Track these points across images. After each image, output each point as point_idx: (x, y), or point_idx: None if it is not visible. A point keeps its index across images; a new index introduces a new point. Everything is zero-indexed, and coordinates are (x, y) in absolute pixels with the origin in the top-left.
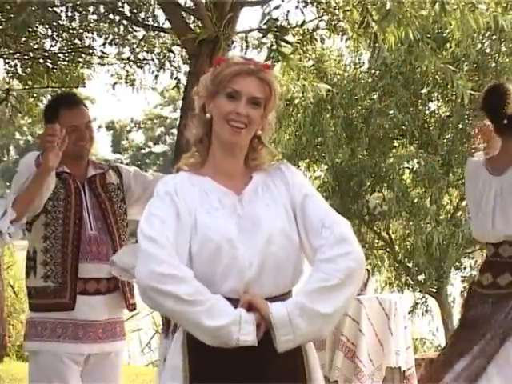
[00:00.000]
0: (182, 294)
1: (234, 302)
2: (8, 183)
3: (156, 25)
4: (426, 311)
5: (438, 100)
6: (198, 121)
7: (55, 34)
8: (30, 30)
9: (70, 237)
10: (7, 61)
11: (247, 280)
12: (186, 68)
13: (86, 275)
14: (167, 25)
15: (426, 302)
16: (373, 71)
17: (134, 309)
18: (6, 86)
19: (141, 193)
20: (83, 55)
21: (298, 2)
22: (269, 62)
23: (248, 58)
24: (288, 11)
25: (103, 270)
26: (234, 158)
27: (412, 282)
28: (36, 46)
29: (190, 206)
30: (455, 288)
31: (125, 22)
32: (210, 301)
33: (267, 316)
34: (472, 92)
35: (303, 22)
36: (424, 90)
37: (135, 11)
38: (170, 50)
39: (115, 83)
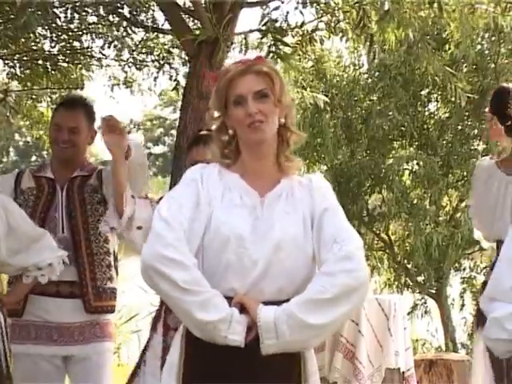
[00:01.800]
0: (178, 280)
1: (231, 301)
2: None
3: (155, 26)
4: (426, 312)
5: (437, 101)
6: (224, 140)
7: (54, 35)
8: (30, 31)
9: None
10: (6, 62)
11: (249, 281)
12: (185, 70)
13: (59, 278)
14: (167, 26)
15: (425, 303)
16: (372, 72)
17: (107, 311)
18: (5, 87)
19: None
20: (82, 57)
21: (298, 3)
22: (260, 54)
23: (239, 60)
24: (287, 12)
25: (73, 273)
26: (261, 159)
27: (411, 283)
28: (35, 48)
29: (211, 196)
30: (454, 289)
31: (124, 23)
32: (206, 294)
33: (255, 318)
34: (469, 95)
35: (302, 23)
36: (423, 92)
37: (135, 13)
38: (169, 52)
39: (114, 85)
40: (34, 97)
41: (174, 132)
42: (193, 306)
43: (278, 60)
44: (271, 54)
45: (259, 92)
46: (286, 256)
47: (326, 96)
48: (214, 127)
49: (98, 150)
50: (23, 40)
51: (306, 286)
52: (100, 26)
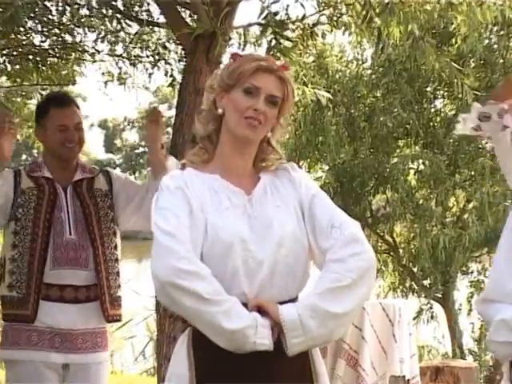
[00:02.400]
0: (202, 292)
1: (246, 306)
2: None
3: (150, 20)
4: (432, 317)
5: (443, 98)
6: (207, 116)
7: (45, 29)
8: (19, 25)
9: (38, 246)
10: None
11: (258, 284)
12: (180, 66)
13: (63, 282)
14: (162, 19)
15: (431, 307)
16: (376, 68)
17: (117, 320)
18: None
19: (127, 201)
20: (74, 52)
21: None
22: (286, 63)
23: (267, 56)
24: (288, 5)
25: (81, 277)
26: (243, 156)
27: (417, 287)
28: (25, 42)
29: (201, 202)
30: (462, 293)
31: (118, 16)
32: (228, 302)
33: (277, 318)
34: (476, 91)
35: (303, 17)
36: (429, 88)
37: (129, 5)
38: (165, 47)
39: (107, 81)
40: (23, 94)
41: (169, 130)
42: (219, 316)
43: (278, 55)
44: (271, 49)
45: (273, 97)
46: (288, 252)
47: (328, 92)
48: (203, 103)
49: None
50: (13, 34)
51: (304, 281)
52: (93, 19)
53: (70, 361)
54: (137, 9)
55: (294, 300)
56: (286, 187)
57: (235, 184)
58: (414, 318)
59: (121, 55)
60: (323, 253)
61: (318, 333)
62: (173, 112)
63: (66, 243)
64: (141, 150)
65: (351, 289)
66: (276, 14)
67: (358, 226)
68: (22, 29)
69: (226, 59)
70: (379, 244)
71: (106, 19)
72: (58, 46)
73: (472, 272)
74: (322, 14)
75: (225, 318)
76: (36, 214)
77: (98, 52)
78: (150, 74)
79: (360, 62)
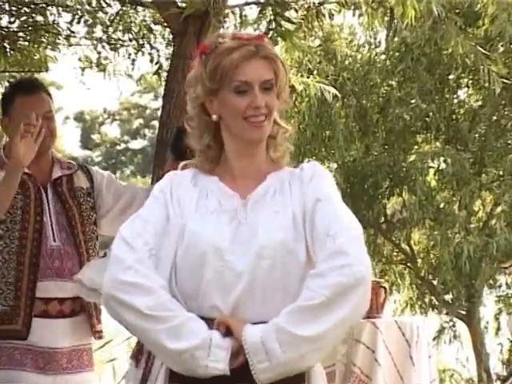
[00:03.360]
0: (141, 307)
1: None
2: None
3: None
4: (455, 337)
5: (468, 87)
6: (200, 126)
7: (13, 8)
8: None
9: (28, 252)
10: None
11: (234, 299)
12: (168, 51)
13: (47, 295)
14: None
15: (454, 326)
16: (391, 52)
17: (101, 337)
18: None
19: (111, 204)
20: (47, 34)
21: None
22: (261, 35)
23: (239, 35)
24: None
25: (67, 289)
26: (251, 156)
27: (437, 303)
28: None
29: (183, 207)
30: (489, 310)
31: None
32: (177, 318)
33: (239, 340)
34: (506, 80)
35: None
36: (452, 76)
37: None
38: (150, 29)
39: (84, 68)
40: None
41: (155, 123)
42: (161, 334)
43: (279, 38)
44: (271, 32)
45: (266, 82)
46: (272, 265)
47: (336, 81)
48: (190, 113)
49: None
50: None
51: (283, 299)
52: None
53: (57, 383)
54: None
55: None
56: (293, 188)
57: (233, 187)
58: (435, 338)
59: (100, 38)
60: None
61: (286, 358)
62: (159, 103)
63: (51, 251)
64: (122, 146)
65: (325, 308)
66: None
67: (355, 232)
68: None
69: (220, 37)
70: (394, 253)
71: None
72: (29, 28)
73: (500, 286)
74: None
75: (169, 336)
76: (24, 215)
77: (74, 35)
78: (134, 60)
79: (372, 47)
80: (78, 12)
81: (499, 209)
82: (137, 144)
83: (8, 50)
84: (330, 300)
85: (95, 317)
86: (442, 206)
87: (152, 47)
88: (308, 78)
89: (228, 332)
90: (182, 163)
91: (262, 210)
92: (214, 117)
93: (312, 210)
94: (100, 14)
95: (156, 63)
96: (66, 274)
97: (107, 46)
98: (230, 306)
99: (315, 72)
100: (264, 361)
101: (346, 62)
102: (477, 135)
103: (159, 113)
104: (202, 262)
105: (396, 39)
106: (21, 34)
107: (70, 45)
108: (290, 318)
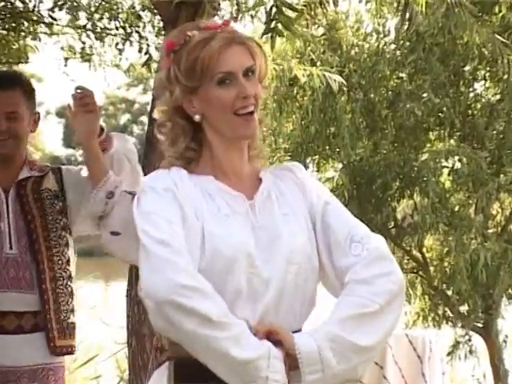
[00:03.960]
0: (208, 313)
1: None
2: None
3: None
4: (470, 352)
5: (485, 79)
6: (175, 130)
7: None
8: None
9: None
10: None
11: (261, 308)
12: (158, 40)
13: (2, 308)
14: None
15: (469, 340)
16: (401, 42)
17: (68, 353)
18: None
19: (82, 200)
20: (26, 22)
21: None
22: (225, 21)
23: (206, 25)
24: None
25: (25, 301)
26: (239, 153)
27: (452, 315)
28: None
29: (196, 208)
30: (508, 322)
31: None
32: (238, 326)
33: (292, 350)
34: None
35: None
36: (467, 67)
37: None
38: (139, 17)
39: (68, 58)
40: None
41: (144, 119)
42: (228, 343)
43: (280, 26)
44: (271, 20)
45: (248, 69)
46: (297, 270)
47: (342, 73)
48: (160, 114)
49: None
50: None
51: (311, 310)
52: None
53: None
54: None
55: (299, 332)
56: (292, 192)
57: (234, 187)
58: (449, 354)
59: (84, 26)
60: (341, 272)
61: (340, 368)
62: (149, 97)
63: (6, 259)
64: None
65: (378, 317)
66: None
67: (382, 239)
68: None
69: (185, 30)
70: (405, 261)
71: None
72: (7, 15)
73: None
74: None
75: (235, 345)
76: None
77: (57, 22)
78: (121, 50)
79: (381, 35)
80: None
81: None
82: None
83: None
84: (381, 309)
85: (56, 330)
86: (456, 209)
87: (141, 36)
88: (312, 66)
89: (271, 341)
90: (162, 164)
91: (271, 212)
92: (197, 117)
93: (323, 214)
94: (84, 0)
95: (145, 53)
96: (25, 285)
97: (92, 35)
98: (258, 314)
99: (318, 63)
100: (318, 371)
101: (352, 53)
102: (494, 132)
103: (149, 107)
104: (231, 269)
105: (406, 27)
106: None
107: (52, 33)
108: (344, 326)
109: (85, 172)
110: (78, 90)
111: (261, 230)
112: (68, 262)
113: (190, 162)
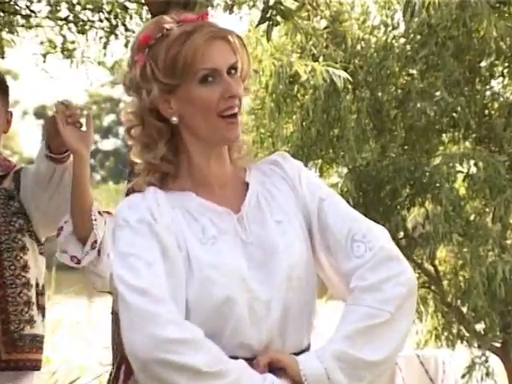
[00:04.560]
0: (199, 365)
1: (247, 362)
2: None
3: None
4: (487, 374)
5: (503, 76)
6: (149, 134)
7: None
8: None
9: None
10: None
11: (266, 333)
12: None
13: None
14: None
15: (486, 361)
16: (411, 35)
17: (26, 368)
18: None
19: (39, 194)
20: (2, 14)
21: None
22: (203, 11)
23: (184, 18)
24: None
25: None
26: (221, 160)
27: (467, 334)
28: None
29: (177, 236)
30: None
31: None
32: (234, 369)
33: (298, 376)
34: None
35: None
36: (484, 63)
37: None
38: (125, 8)
39: (47, 53)
40: None
41: None
42: None
43: (278, 19)
44: (269, 11)
45: (233, 65)
46: (299, 285)
47: (347, 70)
48: (128, 116)
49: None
50: None
51: (315, 315)
52: None
53: None
54: None
55: (305, 351)
56: (282, 191)
57: (217, 201)
58: (464, 375)
59: (65, 19)
60: (345, 276)
61: None
62: None
63: None
64: (91, 146)
65: (389, 326)
66: None
67: (386, 234)
68: None
69: (161, 23)
70: (416, 275)
71: None
72: None
73: None
74: None
75: None
76: None
77: (35, 14)
78: (105, 45)
79: (389, 28)
80: None
81: None
82: (108, 144)
83: None
84: (393, 316)
85: (3, 343)
86: (472, 218)
87: (127, 29)
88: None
89: (273, 369)
90: (127, 186)
91: (261, 222)
92: (174, 119)
93: (318, 212)
94: None
95: None
96: None
97: (74, 28)
98: (264, 341)
99: (321, 59)
100: None
101: (358, 47)
102: None
103: None
104: (226, 298)
105: (416, 19)
106: None
107: (30, 26)
108: (352, 342)
109: (42, 167)
110: (63, 105)
111: (253, 246)
112: (24, 267)
113: (166, 176)
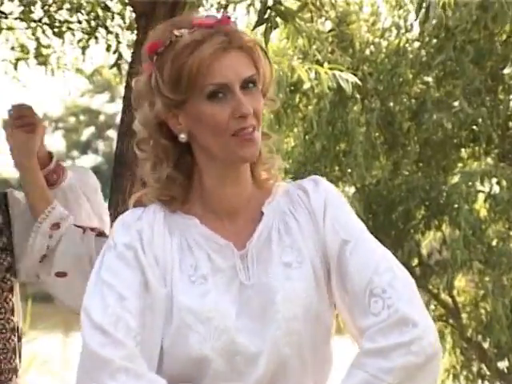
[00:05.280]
0: None
1: None
2: None
3: None
4: None
5: None
6: (157, 151)
7: None
8: None
9: None
10: None
11: None
12: (130, 37)
13: None
14: None
15: None
16: (427, 39)
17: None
18: None
19: (26, 232)
20: None
21: None
22: (225, 15)
23: (199, 22)
24: None
25: None
26: (237, 182)
27: (489, 372)
28: None
29: (163, 268)
30: None
31: None
32: None
33: None
34: None
35: None
36: (507, 70)
37: None
38: (106, 8)
39: (18, 60)
40: None
41: (112, 133)
42: None
43: (279, 20)
44: (268, 12)
45: (249, 79)
46: (299, 340)
47: (354, 76)
48: (140, 127)
49: None
50: None
51: (329, 366)
52: None
53: None
54: None
55: None
56: (302, 225)
57: (223, 232)
58: None
59: (39, 20)
60: (361, 333)
61: None
62: (118, 106)
63: None
64: (68, 163)
65: None
66: None
67: (411, 285)
68: None
69: (174, 26)
70: (432, 307)
71: None
72: None
73: None
74: None
75: None
76: None
77: (5, 16)
78: (84, 49)
79: (402, 31)
80: None
81: None
82: (88, 160)
83: None
84: None
85: None
86: (494, 243)
87: (109, 31)
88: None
89: None
90: (134, 196)
91: (268, 263)
92: (183, 136)
93: (338, 256)
94: None
95: (114, 52)
96: None
97: (49, 31)
98: None
99: (326, 64)
100: None
101: (367, 52)
102: None
103: (118, 119)
104: (201, 350)
105: (434, 21)
106: None
107: (0, 29)
108: None
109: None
110: (15, 107)
111: (253, 291)
112: (13, 310)
113: (173, 199)
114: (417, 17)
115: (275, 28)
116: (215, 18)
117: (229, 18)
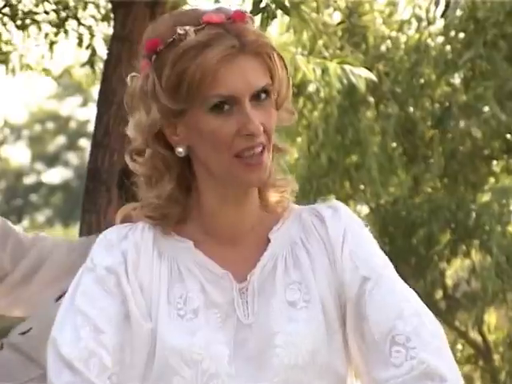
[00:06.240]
0: None
1: None
2: None
3: None
4: None
5: None
6: (154, 163)
7: None
8: None
9: None
10: None
11: None
12: (106, 30)
13: None
14: None
15: None
16: (453, 33)
17: None
18: None
19: (8, 268)
20: None
21: None
22: (238, 11)
23: (208, 18)
24: None
25: None
26: (242, 203)
27: None
28: None
29: (152, 299)
30: None
31: None
32: None
33: None
34: None
35: None
36: None
37: None
38: None
39: None
40: None
41: (84, 143)
42: None
43: (280, 12)
44: (265, 2)
45: (261, 91)
46: None
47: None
48: (135, 144)
49: None
50: None
51: None
52: None
53: None
54: None
55: None
56: (314, 258)
57: (220, 259)
58: None
59: (0, 12)
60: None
61: None
62: (91, 112)
63: None
64: (33, 178)
65: None
66: None
67: (438, 335)
68: None
69: (174, 22)
70: (459, 347)
71: None
72: None
73: None
74: None
75: None
76: None
77: None
78: (52, 45)
79: (424, 24)
80: None
81: None
82: (56, 175)
83: None
84: None
85: None
86: None
87: (80, 23)
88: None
89: None
90: (123, 210)
91: (271, 299)
92: (180, 150)
93: (357, 298)
94: None
95: (87, 48)
96: None
97: (11, 24)
98: None
99: (334, 62)
100: None
101: (383, 48)
102: None
103: (91, 127)
104: None
105: (459, 13)
106: None
107: None
108: None
109: (11, 225)
110: None
111: (251, 331)
112: None
113: (166, 218)
114: (436, 6)
115: (273, 18)
116: (227, 14)
117: (243, 13)
